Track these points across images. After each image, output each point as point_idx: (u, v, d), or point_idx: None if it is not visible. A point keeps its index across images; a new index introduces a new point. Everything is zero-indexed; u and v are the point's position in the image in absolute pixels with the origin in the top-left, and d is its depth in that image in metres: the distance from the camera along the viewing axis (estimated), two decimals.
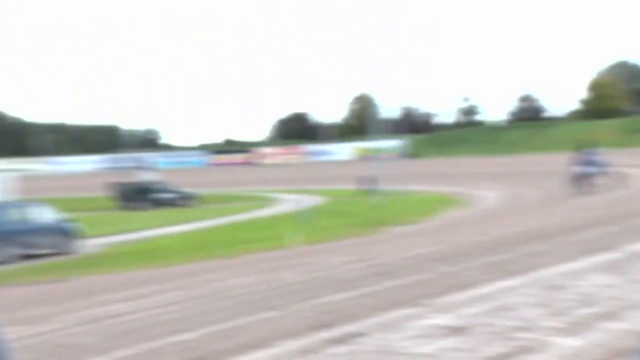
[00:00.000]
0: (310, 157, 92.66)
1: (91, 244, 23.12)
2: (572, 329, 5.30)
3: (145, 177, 52.08)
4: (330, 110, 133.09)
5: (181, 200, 45.86)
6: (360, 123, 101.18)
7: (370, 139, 61.55)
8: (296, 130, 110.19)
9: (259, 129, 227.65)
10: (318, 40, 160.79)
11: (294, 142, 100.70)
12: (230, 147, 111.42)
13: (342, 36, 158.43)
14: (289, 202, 40.86)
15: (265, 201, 43.62)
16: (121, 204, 46.09)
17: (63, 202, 39.45)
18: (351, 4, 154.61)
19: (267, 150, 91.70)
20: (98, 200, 48.53)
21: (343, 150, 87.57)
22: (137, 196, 46.19)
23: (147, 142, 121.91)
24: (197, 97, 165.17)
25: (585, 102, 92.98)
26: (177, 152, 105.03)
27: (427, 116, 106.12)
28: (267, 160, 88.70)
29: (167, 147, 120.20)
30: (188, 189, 48.50)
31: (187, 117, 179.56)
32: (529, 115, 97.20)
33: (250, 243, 19.63)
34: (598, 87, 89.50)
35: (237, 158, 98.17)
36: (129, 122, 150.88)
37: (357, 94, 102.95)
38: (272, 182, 59.12)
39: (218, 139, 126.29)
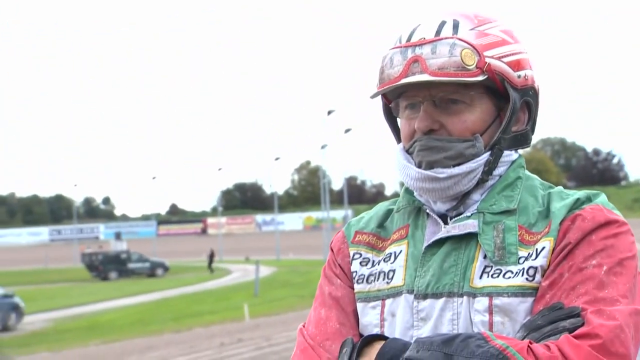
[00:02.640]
0: (260, 226, 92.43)
1: (40, 319, 22.49)
2: None
3: (116, 246, 51.42)
4: (273, 180, 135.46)
5: (150, 270, 45.92)
6: (304, 193, 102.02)
7: (318, 209, 61.94)
8: (240, 200, 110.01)
9: (204, 198, 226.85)
10: (257, 111, 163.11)
11: (241, 211, 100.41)
12: (177, 216, 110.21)
13: (283, 106, 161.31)
14: (240, 272, 40.69)
15: (217, 271, 43.49)
16: (91, 274, 45.78)
17: (12, 275, 37.75)
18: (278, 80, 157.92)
19: (217, 219, 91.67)
20: (57, 272, 47.19)
21: (292, 220, 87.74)
22: (107, 266, 45.89)
23: (91, 211, 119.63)
24: (140, 164, 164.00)
25: None
26: (124, 222, 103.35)
27: (374, 187, 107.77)
28: (217, 230, 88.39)
29: (111, 216, 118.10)
30: (157, 259, 48.45)
31: (129, 185, 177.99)
32: None
33: (204, 315, 19.48)
34: (529, 163, 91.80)
35: (186, 228, 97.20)
36: (69, 191, 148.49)
37: (299, 164, 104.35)
38: (224, 252, 58.66)
39: (162, 207, 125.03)
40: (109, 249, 52.48)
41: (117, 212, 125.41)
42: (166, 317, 20.44)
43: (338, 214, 67.18)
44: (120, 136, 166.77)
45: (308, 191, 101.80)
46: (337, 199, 75.99)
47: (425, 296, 1.31)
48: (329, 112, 42.07)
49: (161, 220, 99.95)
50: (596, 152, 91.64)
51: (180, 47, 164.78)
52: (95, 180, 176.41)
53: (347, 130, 43.26)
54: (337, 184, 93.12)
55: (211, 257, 45.12)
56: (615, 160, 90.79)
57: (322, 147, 45.30)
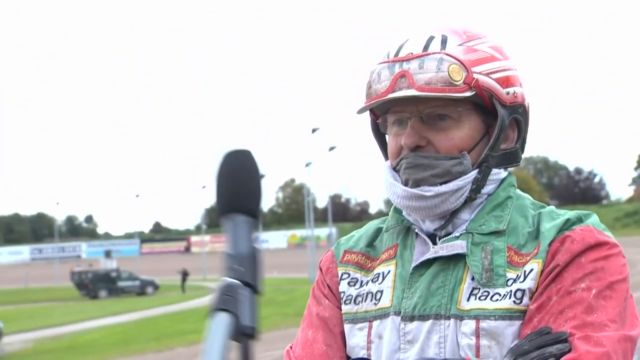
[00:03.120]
0: None
1: (20, 339, 22.12)
2: None
3: (106, 265, 50.93)
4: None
5: (140, 288, 45.53)
6: (289, 211, 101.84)
7: (303, 227, 61.85)
8: None
9: (188, 216, 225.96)
10: (241, 128, 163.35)
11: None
12: (160, 234, 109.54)
13: (267, 123, 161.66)
14: None
15: (201, 290, 43.40)
16: (80, 293, 45.23)
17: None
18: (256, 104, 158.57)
19: (201, 238, 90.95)
20: (40, 291, 46.80)
21: (276, 238, 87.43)
22: (97, 285, 45.26)
23: (74, 229, 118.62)
24: (123, 182, 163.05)
25: None
26: (106, 241, 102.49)
27: (358, 205, 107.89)
28: (200, 248, 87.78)
29: (93, 235, 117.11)
30: (147, 277, 47.96)
31: (112, 203, 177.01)
32: None
33: (186, 335, 19.20)
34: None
35: (170, 246, 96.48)
36: (51, 210, 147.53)
37: (284, 182, 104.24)
38: (207, 271, 58.30)
39: (145, 225, 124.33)
40: (98, 267, 52.02)
41: (100, 230, 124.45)
42: (148, 337, 20.09)
43: (322, 232, 67.05)
44: (104, 153, 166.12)
45: (292, 209, 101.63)
46: (321, 217, 75.83)
47: (412, 318, 1.29)
48: (314, 130, 42.20)
49: (144, 239, 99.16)
50: (578, 171, 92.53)
51: (163, 63, 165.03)
52: (78, 198, 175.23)
53: (332, 148, 43.37)
54: (322, 202, 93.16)
55: (184, 276, 44.83)
56: (596, 179, 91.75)
57: (307, 164, 45.37)
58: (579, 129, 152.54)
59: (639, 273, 24.95)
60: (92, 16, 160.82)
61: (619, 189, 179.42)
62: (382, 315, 1.32)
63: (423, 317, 1.28)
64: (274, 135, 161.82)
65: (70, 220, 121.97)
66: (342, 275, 1.39)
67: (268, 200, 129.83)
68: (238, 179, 1.02)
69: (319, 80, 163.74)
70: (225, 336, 0.93)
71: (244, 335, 0.95)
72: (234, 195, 1.02)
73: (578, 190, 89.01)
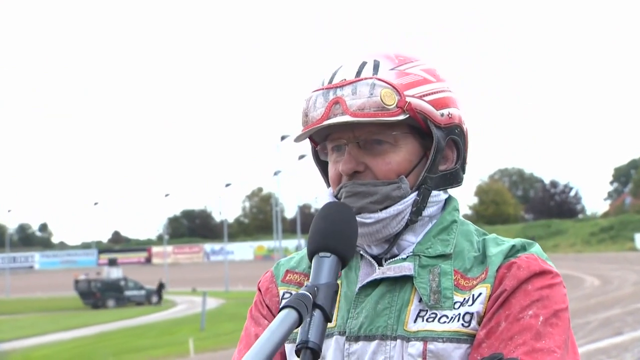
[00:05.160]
0: (208, 256, 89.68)
1: None
2: None
3: (111, 274, 49.57)
4: (222, 207, 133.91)
5: (145, 298, 44.67)
6: (256, 221, 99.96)
7: (270, 238, 60.21)
8: (188, 227, 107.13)
9: (149, 225, 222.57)
10: (207, 134, 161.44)
11: (188, 240, 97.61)
12: (119, 244, 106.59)
13: (234, 130, 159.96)
14: (186, 305, 39.13)
15: (163, 303, 42.24)
16: (85, 302, 44.31)
17: None
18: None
19: (162, 248, 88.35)
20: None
21: (242, 250, 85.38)
22: (105, 293, 44.55)
23: (26, 238, 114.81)
24: (81, 188, 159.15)
25: (473, 208, 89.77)
26: (61, 251, 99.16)
27: None
28: (162, 260, 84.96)
29: (48, 244, 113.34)
30: (151, 287, 46.73)
31: (68, 211, 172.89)
32: None
33: (146, 350, 18.18)
34: (483, 193, 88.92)
35: (129, 257, 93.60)
36: (3, 217, 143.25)
37: (251, 191, 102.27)
38: (169, 283, 56.64)
39: (104, 235, 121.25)
40: (102, 275, 50.78)
41: (55, 239, 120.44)
42: (106, 352, 18.88)
43: (290, 243, 65.37)
44: (60, 158, 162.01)
45: (260, 219, 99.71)
46: (289, 228, 74.13)
47: (357, 338, 1.32)
48: (283, 138, 41.15)
49: (102, 249, 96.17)
50: (554, 184, 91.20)
51: (126, 69, 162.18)
52: (32, 206, 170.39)
53: (301, 157, 41.95)
54: (290, 212, 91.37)
55: (160, 288, 43.75)
56: (572, 193, 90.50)
57: (275, 173, 44.08)
58: (555, 142, 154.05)
59: (615, 290, 24.00)
60: (46, 28, 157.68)
61: (594, 204, 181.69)
62: (326, 335, 1.26)
63: (369, 338, 1.31)
64: (241, 142, 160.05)
65: (22, 228, 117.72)
66: (283, 294, 1.42)
67: (234, 209, 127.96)
68: (337, 224, 1.18)
69: (288, 87, 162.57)
70: (288, 330, 1.01)
71: (308, 349, 1.03)
72: (330, 236, 1.16)
73: (554, 204, 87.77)
